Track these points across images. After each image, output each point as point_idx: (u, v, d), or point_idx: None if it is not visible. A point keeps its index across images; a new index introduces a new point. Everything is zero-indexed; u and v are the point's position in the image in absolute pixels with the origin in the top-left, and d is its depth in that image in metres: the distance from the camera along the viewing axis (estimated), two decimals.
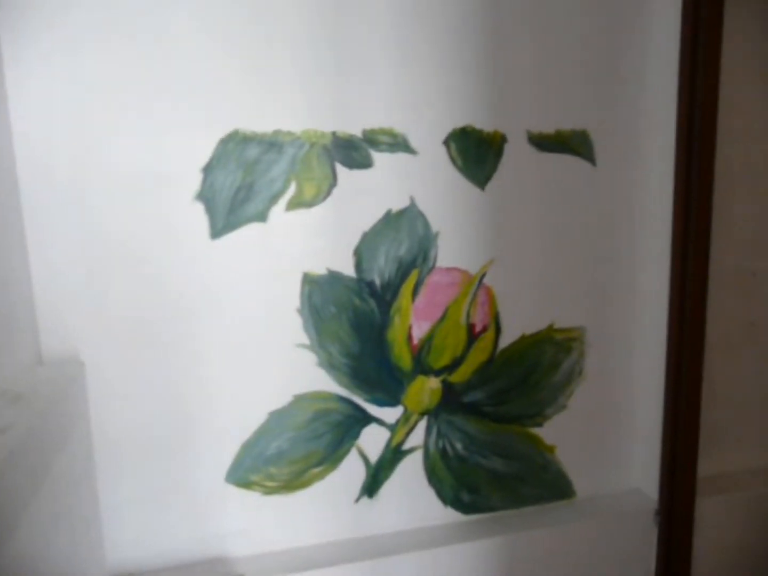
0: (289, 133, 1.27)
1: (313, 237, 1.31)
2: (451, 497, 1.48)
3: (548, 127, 1.41)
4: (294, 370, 1.35)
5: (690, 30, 1.36)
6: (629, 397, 1.58)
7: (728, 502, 1.63)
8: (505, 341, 1.45)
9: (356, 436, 1.40)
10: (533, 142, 1.40)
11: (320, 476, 1.39)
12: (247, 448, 1.34)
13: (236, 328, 1.30)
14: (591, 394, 1.54)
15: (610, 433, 1.59)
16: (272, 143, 1.26)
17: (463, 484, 1.48)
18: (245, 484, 1.35)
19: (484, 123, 1.36)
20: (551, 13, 1.38)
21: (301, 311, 1.33)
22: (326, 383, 1.36)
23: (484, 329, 1.43)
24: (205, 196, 1.24)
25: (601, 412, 1.57)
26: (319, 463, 1.38)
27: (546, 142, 1.41)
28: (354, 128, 1.30)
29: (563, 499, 1.57)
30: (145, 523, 1.30)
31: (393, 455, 1.43)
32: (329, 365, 1.36)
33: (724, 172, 1.50)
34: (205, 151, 1.23)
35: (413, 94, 1.32)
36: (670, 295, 1.47)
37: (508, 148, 1.38)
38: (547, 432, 1.52)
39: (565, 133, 1.42)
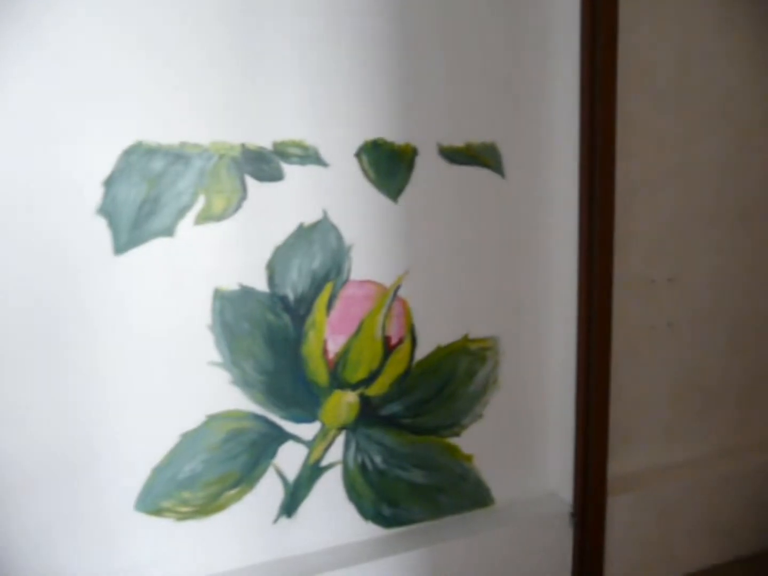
0: (197, 145, 1.23)
1: (224, 251, 1.28)
2: (371, 512, 1.47)
3: (458, 140, 1.43)
4: (206, 389, 1.30)
5: (589, 51, 1.42)
6: (542, 403, 1.62)
7: (637, 500, 1.69)
8: (421, 353, 1.46)
9: (273, 454, 1.36)
10: (444, 154, 1.42)
11: (236, 498, 1.35)
12: (158, 472, 1.28)
13: (144, 347, 1.24)
14: (506, 402, 1.57)
15: (526, 440, 1.62)
16: (179, 155, 1.22)
17: (384, 498, 1.47)
18: (156, 511, 1.28)
19: (395, 136, 1.37)
20: (460, 28, 1.40)
21: (212, 328, 1.29)
22: (241, 401, 1.32)
23: (400, 341, 1.43)
24: (107, 210, 1.18)
25: (516, 420, 1.60)
26: (235, 485, 1.34)
27: (456, 155, 1.43)
28: (264, 140, 1.27)
29: (482, 506, 1.59)
30: (43, 559, 1.22)
31: (311, 472, 1.40)
32: (243, 383, 1.32)
33: (624, 184, 1.58)
34: (106, 163, 1.18)
35: (324, 107, 1.31)
36: (578, 303, 1.52)
37: (419, 161, 1.40)
38: (465, 441, 1.54)
39: (474, 145, 1.45)
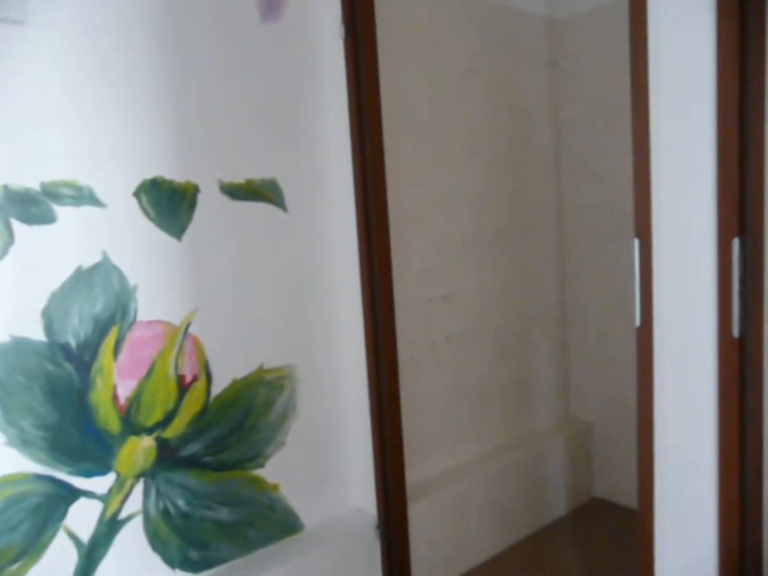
0: None
1: None
2: (178, 559, 1.42)
3: (239, 177, 1.47)
4: None
5: (354, 93, 1.55)
6: (341, 424, 1.70)
7: (434, 503, 1.83)
8: (217, 388, 1.46)
9: (62, 516, 1.26)
10: (225, 191, 1.45)
11: (19, 574, 1.22)
12: None
13: None
14: (306, 427, 1.62)
15: (328, 461, 1.68)
16: None
17: (190, 542, 1.43)
18: None
19: (175, 173, 1.37)
20: (235, 68, 1.46)
21: None
22: (19, 463, 1.21)
23: (195, 379, 1.42)
24: None
25: (317, 443, 1.65)
26: (16, 559, 1.21)
27: (237, 191, 1.47)
28: (30, 181, 1.20)
29: (292, 534, 1.61)
30: None
31: (108, 528, 1.32)
32: (21, 442, 1.21)
33: (397, 213, 1.74)
34: None
35: (97, 146, 1.27)
36: (364, 325, 1.63)
37: (201, 198, 1.41)
38: (270, 471, 1.55)
39: (255, 181, 1.50)
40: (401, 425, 1.68)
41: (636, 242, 1.00)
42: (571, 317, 2.33)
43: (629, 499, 2.18)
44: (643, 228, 0.98)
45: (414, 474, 1.85)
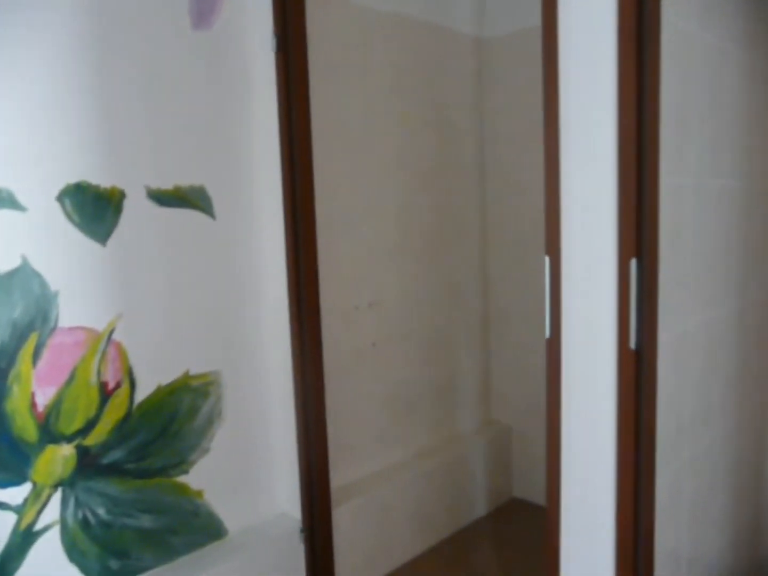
0: None
1: None
2: (97, 569, 1.39)
3: (167, 183, 1.47)
4: None
5: (285, 105, 1.58)
6: (266, 429, 1.71)
7: (358, 506, 1.87)
8: (141, 395, 1.44)
9: None
10: (152, 197, 1.44)
11: None
12: None
13: None
14: (232, 433, 1.63)
15: (253, 467, 1.69)
16: None
17: (111, 552, 1.41)
18: None
19: (100, 178, 1.36)
20: (163, 75, 1.45)
21: None
22: None
23: (118, 385, 1.40)
24: None
25: (243, 449, 1.66)
26: None
27: (165, 197, 1.46)
28: None
29: (216, 540, 1.61)
30: None
31: (23, 540, 1.28)
32: None
33: (325, 223, 1.77)
34: None
35: (17, 149, 1.24)
36: (290, 332, 1.65)
37: (127, 204, 1.40)
38: (194, 478, 1.55)
39: (183, 188, 1.49)
40: (327, 430, 1.71)
41: (547, 259, 1.08)
42: (492, 325, 2.43)
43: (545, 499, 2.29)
44: (553, 247, 1.06)
45: (339, 478, 1.89)
